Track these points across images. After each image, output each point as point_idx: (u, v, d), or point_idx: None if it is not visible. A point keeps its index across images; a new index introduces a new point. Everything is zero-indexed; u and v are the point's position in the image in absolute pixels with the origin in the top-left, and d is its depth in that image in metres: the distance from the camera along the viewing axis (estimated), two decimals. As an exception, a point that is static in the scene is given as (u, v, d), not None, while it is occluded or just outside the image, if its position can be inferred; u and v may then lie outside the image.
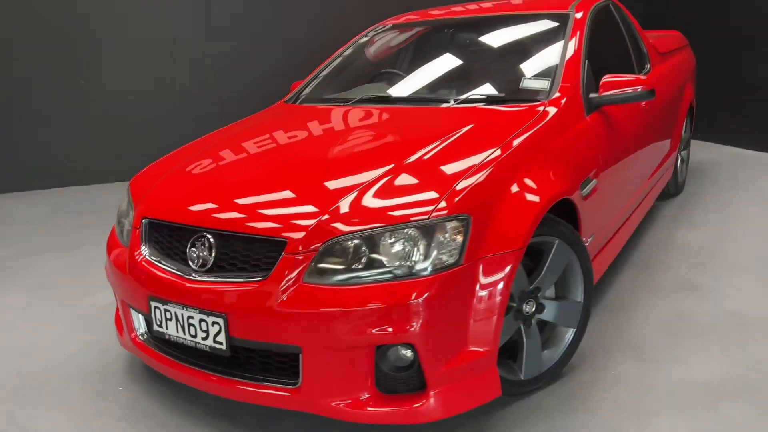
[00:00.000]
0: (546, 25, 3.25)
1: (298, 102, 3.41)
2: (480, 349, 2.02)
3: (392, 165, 2.24)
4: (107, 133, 6.05)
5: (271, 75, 6.31)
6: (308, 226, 2.00)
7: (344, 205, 2.04)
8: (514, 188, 2.19)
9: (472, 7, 3.70)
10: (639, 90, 2.80)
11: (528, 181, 2.25)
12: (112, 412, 2.41)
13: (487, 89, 3.04)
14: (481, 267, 2.00)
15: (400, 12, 4.06)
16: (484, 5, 3.69)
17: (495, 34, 3.42)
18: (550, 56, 2.99)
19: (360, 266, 1.96)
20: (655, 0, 7.21)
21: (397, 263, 1.95)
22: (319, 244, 1.97)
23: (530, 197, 2.20)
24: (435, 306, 1.91)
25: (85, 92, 5.97)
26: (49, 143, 5.92)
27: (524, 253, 2.21)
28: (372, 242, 1.97)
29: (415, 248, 1.96)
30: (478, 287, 1.99)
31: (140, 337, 2.42)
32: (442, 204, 1.99)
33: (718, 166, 5.48)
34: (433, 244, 1.95)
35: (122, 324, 2.52)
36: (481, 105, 2.81)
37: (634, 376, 2.43)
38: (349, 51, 3.75)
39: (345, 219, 2.00)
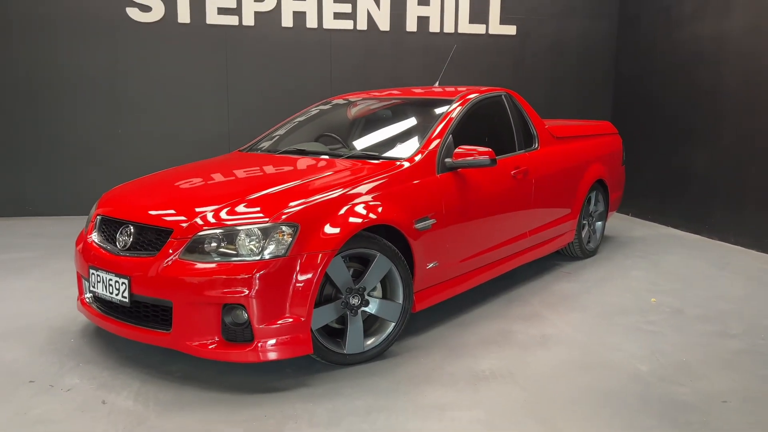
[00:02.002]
0: (436, 107, 4.26)
1: (246, 150, 4.50)
2: (296, 317, 2.93)
3: (266, 190, 3.25)
4: (134, 173, 7.30)
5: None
6: (186, 221, 3.02)
7: (213, 212, 3.05)
8: (342, 211, 3.14)
9: (389, 91, 4.80)
10: (481, 158, 3.74)
11: (357, 208, 3.20)
12: (60, 351, 3.40)
13: (371, 148, 4.07)
14: (300, 260, 2.94)
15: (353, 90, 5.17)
16: (396, 91, 4.79)
17: (397, 111, 4.49)
18: (423, 129, 3.98)
19: (218, 251, 2.94)
20: (620, 101, 8.13)
21: (243, 251, 2.92)
22: (191, 235, 2.97)
23: (352, 219, 3.15)
24: (262, 281, 2.85)
25: (118, 140, 7.29)
26: (88, 178, 7.21)
27: (356, 260, 3.18)
28: (228, 236, 2.95)
29: (256, 242, 2.92)
30: (297, 273, 2.93)
31: (87, 299, 3.44)
32: (278, 215, 2.97)
33: (641, 241, 6.22)
34: (268, 241, 2.92)
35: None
36: (360, 159, 3.80)
37: (434, 363, 3.27)
38: (300, 118, 4.85)
39: (210, 221, 3.00)
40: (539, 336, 3.66)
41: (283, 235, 2.95)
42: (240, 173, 3.78)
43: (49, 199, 7.27)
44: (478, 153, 3.74)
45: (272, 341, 2.90)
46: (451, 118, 4.05)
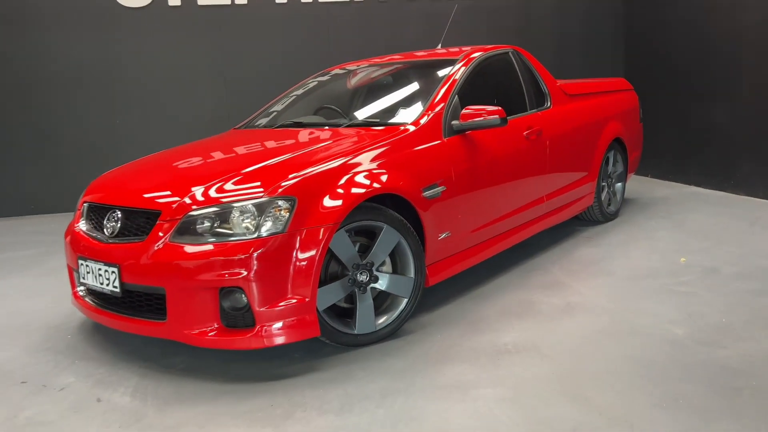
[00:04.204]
0: (439, 69, 3.98)
1: (242, 128, 4.27)
2: (300, 297, 2.71)
3: (260, 164, 3.01)
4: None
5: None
6: (175, 201, 2.79)
7: (203, 190, 2.82)
8: (343, 181, 2.90)
9: (389, 57, 4.54)
10: (491, 118, 3.48)
11: (360, 178, 2.96)
12: (56, 349, 3.21)
13: (374, 116, 3.81)
14: (300, 236, 2.71)
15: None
16: (397, 56, 4.52)
17: (399, 76, 4.22)
18: (427, 92, 3.72)
19: (211, 231, 2.71)
20: (632, 58, 7.79)
21: (237, 230, 2.70)
22: (180, 216, 2.74)
23: (355, 190, 2.91)
24: (259, 261, 2.63)
25: (116, 132, 7.08)
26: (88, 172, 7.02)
27: (362, 234, 2.96)
28: (221, 214, 2.73)
29: (251, 220, 2.69)
30: (297, 250, 2.70)
31: (80, 292, 3.24)
32: (274, 188, 2.74)
33: (664, 201, 5.93)
34: (264, 217, 2.69)
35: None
36: (363, 127, 3.55)
37: (451, 339, 3.04)
38: (298, 91, 4.60)
39: (199, 201, 2.78)
40: (563, 305, 3.41)
41: (280, 211, 2.72)
42: (234, 150, 3.54)
43: (50, 197, 7.07)
44: (487, 113, 3.48)
45: (276, 325, 2.68)
46: (455, 80, 3.78)
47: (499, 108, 3.49)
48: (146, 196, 2.97)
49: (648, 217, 5.30)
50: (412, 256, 3.11)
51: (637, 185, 6.72)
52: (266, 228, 2.68)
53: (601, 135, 5.00)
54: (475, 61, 4.03)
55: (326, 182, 2.87)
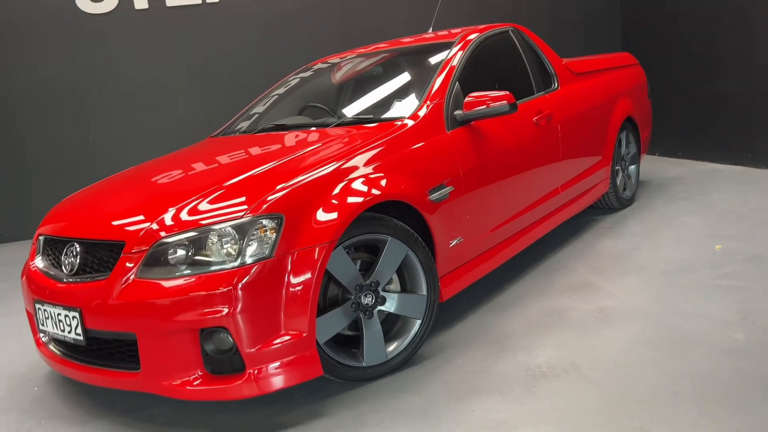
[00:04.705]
0: (434, 54, 3.55)
1: (219, 135, 3.82)
2: (296, 332, 2.28)
3: (239, 177, 2.57)
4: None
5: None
6: (140, 230, 2.35)
7: (172, 214, 2.38)
8: (337, 190, 2.47)
9: (375, 46, 4.09)
10: (498, 105, 3.05)
11: (356, 184, 2.53)
12: (20, 406, 2.77)
13: (366, 112, 3.38)
14: (291, 259, 2.28)
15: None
16: (383, 44, 4.07)
17: (390, 66, 3.78)
18: (424, 82, 3.28)
19: (185, 262, 2.28)
20: (630, 28, 7.37)
21: (216, 258, 2.26)
22: (148, 246, 2.30)
23: (351, 199, 2.47)
24: (245, 294, 2.20)
25: (90, 148, 6.61)
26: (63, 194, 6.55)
27: (364, 250, 2.55)
28: (195, 241, 2.29)
29: (232, 245, 2.26)
30: (289, 277, 2.27)
31: (42, 340, 2.79)
32: (257, 205, 2.30)
33: (680, 181, 5.52)
34: (247, 241, 2.25)
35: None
36: (354, 125, 3.12)
37: (475, 364, 2.61)
38: (279, 90, 4.15)
39: (169, 226, 2.34)
40: (597, 311, 3.00)
41: (266, 231, 2.29)
42: (210, 162, 3.09)
43: (24, 223, 6.59)
44: (492, 99, 3.06)
45: (270, 367, 2.25)
46: (453, 65, 3.35)
47: (507, 93, 3.07)
48: (108, 224, 2.53)
49: (667, 201, 4.89)
50: (422, 271, 2.69)
51: (647, 166, 6.31)
52: (250, 253, 2.25)
53: (612, 115, 4.58)
54: (474, 43, 3.60)
55: (318, 193, 2.44)
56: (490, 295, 3.35)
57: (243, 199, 2.38)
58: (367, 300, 2.55)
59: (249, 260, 2.23)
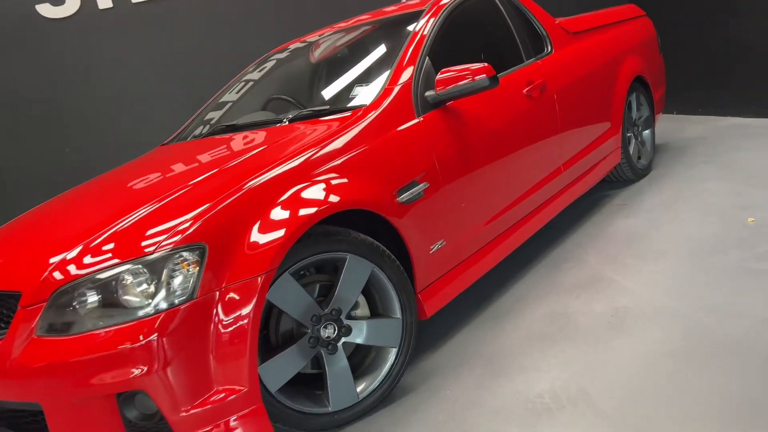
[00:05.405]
0: (400, 27, 3.07)
1: (173, 141, 3.39)
2: (233, 388, 1.86)
3: (155, 202, 2.13)
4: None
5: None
6: (39, 277, 1.93)
7: (74, 254, 1.96)
8: (278, 202, 2.03)
9: (333, 26, 3.60)
10: (476, 79, 2.57)
11: (305, 193, 2.11)
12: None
13: (325, 101, 2.93)
14: (220, 299, 1.85)
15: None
16: (342, 23, 3.57)
17: (352, 48, 3.31)
18: (388, 61, 2.81)
19: (89, 313, 1.86)
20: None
21: (128, 304, 1.84)
22: (46, 297, 1.89)
23: (298, 212, 2.03)
24: (162, 347, 1.78)
25: (68, 161, 6.26)
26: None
27: (321, 270, 2.12)
28: (101, 286, 1.87)
29: (145, 287, 1.84)
30: (218, 321, 1.84)
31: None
32: (171, 238, 1.87)
33: (701, 141, 4.98)
34: (160, 281, 1.83)
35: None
36: (308, 120, 2.66)
37: (467, 395, 2.18)
38: (238, 85, 3.70)
39: (71, 270, 1.91)
40: (609, 313, 2.53)
41: (188, 266, 1.85)
42: (141, 180, 2.65)
43: None
44: (470, 72, 2.57)
45: (204, 432, 1.83)
46: (423, 35, 2.86)
47: (485, 65, 2.59)
48: (3, 270, 2.11)
49: (688, 165, 4.36)
50: (393, 290, 2.25)
51: (664, 127, 5.73)
52: (167, 296, 1.82)
53: (618, 76, 4.05)
54: (447, 8, 3.10)
55: (252, 210, 2.01)
56: (483, 301, 2.89)
57: (159, 229, 1.94)
58: (328, 332, 2.12)
59: (164, 305, 1.81)
